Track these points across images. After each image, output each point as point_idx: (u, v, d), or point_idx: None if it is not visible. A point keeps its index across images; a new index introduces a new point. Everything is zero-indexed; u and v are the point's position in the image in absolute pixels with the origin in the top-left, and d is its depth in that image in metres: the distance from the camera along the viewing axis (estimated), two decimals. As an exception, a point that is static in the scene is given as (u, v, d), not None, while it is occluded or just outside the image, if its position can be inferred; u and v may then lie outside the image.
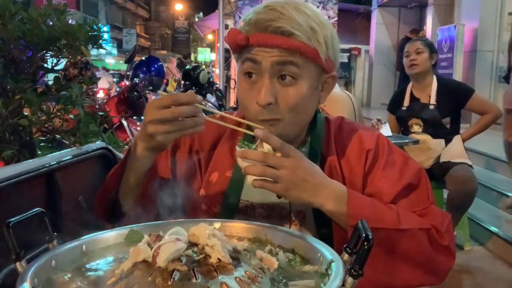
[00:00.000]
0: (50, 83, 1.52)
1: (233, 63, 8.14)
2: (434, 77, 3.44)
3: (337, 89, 2.67)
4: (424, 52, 3.41)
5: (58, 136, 1.49)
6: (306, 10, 1.04)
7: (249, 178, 1.15)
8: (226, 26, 10.10)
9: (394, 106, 3.68)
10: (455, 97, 3.37)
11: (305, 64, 1.03)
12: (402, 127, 3.60)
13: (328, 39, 1.05)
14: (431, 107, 3.37)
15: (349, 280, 0.69)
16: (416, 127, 3.45)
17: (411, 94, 3.52)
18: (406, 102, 3.52)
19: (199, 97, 0.97)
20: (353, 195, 1.01)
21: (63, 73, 1.54)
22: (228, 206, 1.14)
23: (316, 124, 1.17)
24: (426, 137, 3.39)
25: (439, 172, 3.28)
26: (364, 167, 1.12)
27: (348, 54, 13.97)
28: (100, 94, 8.13)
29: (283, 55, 1.01)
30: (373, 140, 1.15)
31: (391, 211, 1.02)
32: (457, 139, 3.38)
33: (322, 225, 1.10)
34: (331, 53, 1.07)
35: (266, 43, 1.00)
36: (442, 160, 3.34)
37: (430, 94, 3.40)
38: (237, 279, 0.70)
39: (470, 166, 3.32)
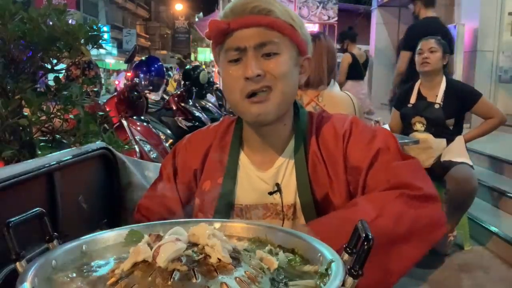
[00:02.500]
0: (50, 83, 1.52)
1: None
2: (444, 78, 3.44)
3: (338, 89, 2.67)
4: (438, 52, 3.41)
5: (58, 136, 1.49)
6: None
7: (240, 183, 1.18)
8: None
9: (400, 102, 3.66)
10: (461, 99, 3.37)
11: (283, 40, 1.09)
12: (404, 125, 3.59)
13: (298, 20, 1.13)
14: (436, 106, 3.37)
15: (349, 280, 0.69)
16: (419, 125, 3.45)
17: (419, 92, 3.51)
18: (413, 100, 3.51)
19: None
20: (313, 225, 1.00)
21: (66, 73, 1.54)
22: (222, 211, 1.16)
23: (299, 119, 1.20)
24: (427, 136, 3.39)
25: (439, 171, 3.28)
26: (342, 151, 1.14)
27: (348, 54, 13.93)
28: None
29: (263, 34, 1.07)
30: (347, 122, 1.18)
31: (354, 210, 1.01)
32: (459, 139, 3.38)
33: (310, 218, 1.12)
34: (304, 34, 1.14)
35: (246, 23, 1.07)
36: (443, 159, 3.35)
37: (437, 93, 3.39)
38: (237, 279, 0.70)
39: (471, 166, 3.32)
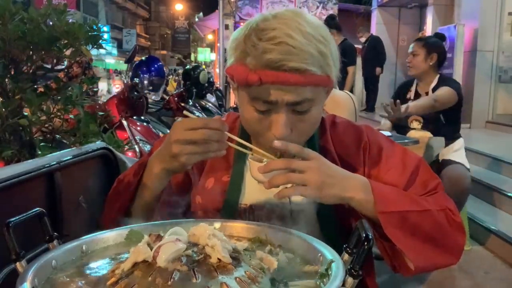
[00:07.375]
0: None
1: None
2: (437, 76, 3.42)
3: (338, 89, 2.67)
4: (419, 55, 3.39)
5: (58, 136, 1.49)
6: (309, 28, 1.00)
7: (248, 182, 1.16)
8: (226, 26, 10.09)
9: (399, 95, 3.65)
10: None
11: (317, 92, 1.02)
12: (402, 123, 3.57)
13: (333, 54, 1.03)
14: None
15: (349, 280, 0.69)
16: (416, 123, 3.44)
17: (416, 89, 3.52)
18: (411, 95, 3.51)
19: (226, 125, 0.98)
20: (374, 183, 1.02)
21: (65, 71, 1.54)
22: (228, 210, 1.14)
23: None
24: (426, 134, 3.38)
25: (438, 170, 3.28)
26: (363, 158, 1.15)
27: (348, 54, 13.93)
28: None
29: (297, 92, 0.99)
30: (365, 132, 1.18)
31: (410, 195, 1.05)
32: (459, 142, 3.39)
33: (325, 223, 1.11)
34: (336, 70, 1.06)
35: (280, 81, 0.97)
36: (441, 158, 3.35)
37: (428, 91, 3.39)
38: (237, 279, 0.70)
39: (467, 169, 3.33)
